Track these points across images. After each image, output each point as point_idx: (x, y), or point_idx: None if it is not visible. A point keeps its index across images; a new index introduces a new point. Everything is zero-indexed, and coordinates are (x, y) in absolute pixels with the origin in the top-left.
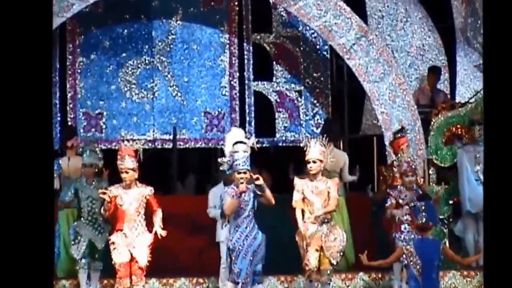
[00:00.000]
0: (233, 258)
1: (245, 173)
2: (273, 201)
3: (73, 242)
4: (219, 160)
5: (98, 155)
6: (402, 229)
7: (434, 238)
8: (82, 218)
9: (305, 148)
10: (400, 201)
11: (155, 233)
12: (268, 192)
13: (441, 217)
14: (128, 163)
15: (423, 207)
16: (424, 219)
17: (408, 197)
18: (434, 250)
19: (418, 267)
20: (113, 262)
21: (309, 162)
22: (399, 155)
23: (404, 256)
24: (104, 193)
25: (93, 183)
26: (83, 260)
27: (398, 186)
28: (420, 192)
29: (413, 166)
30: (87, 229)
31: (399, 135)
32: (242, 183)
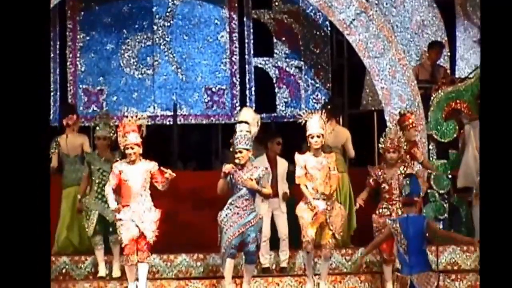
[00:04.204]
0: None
1: (241, 152)
2: (271, 194)
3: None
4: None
5: (111, 128)
6: (380, 205)
7: (418, 215)
8: (91, 192)
9: (302, 123)
10: (380, 179)
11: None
12: (263, 191)
13: (441, 192)
14: (132, 138)
15: (407, 181)
16: (407, 192)
17: (389, 174)
18: (419, 226)
19: (404, 245)
20: (119, 238)
21: (312, 137)
22: (387, 131)
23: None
24: (118, 210)
25: (107, 154)
26: (97, 237)
27: (381, 163)
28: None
29: (396, 144)
30: (96, 203)
31: (402, 112)
32: (237, 161)
